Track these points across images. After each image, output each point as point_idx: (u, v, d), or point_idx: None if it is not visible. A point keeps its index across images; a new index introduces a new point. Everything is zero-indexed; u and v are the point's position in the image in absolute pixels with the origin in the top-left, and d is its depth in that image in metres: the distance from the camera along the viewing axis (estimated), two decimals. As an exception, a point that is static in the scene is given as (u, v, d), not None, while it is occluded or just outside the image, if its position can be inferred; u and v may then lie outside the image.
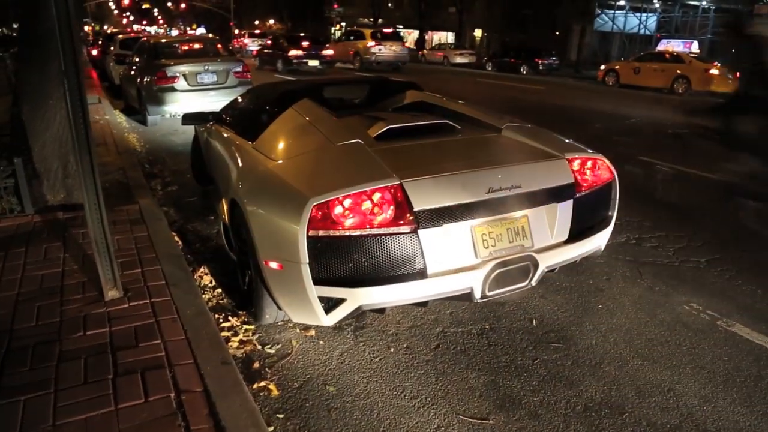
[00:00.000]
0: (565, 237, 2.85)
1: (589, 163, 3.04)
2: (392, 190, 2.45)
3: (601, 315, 3.30)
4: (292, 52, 20.74)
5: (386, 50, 22.42)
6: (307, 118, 3.28)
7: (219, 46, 10.57)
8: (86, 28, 47.05)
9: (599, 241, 3.07)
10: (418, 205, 2.44)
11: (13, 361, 2.46)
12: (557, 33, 33.50)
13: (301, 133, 3.22)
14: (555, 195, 2.81)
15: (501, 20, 35.56)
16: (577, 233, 2.90)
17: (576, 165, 2.96)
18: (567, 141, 3.30)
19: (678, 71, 18.33)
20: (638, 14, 32.53)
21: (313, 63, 20.88)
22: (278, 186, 2.75)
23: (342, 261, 2.41)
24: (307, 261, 2.37)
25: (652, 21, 33.26)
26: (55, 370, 2.38)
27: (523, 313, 3.30)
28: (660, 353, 2.92)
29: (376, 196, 2.43)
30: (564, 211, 2.84)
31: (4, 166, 4.25)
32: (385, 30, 24.17)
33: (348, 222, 2.39)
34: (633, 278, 3.79)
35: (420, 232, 2.44)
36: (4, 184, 4.30)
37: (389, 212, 2.43)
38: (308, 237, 2.35)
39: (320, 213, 2.37)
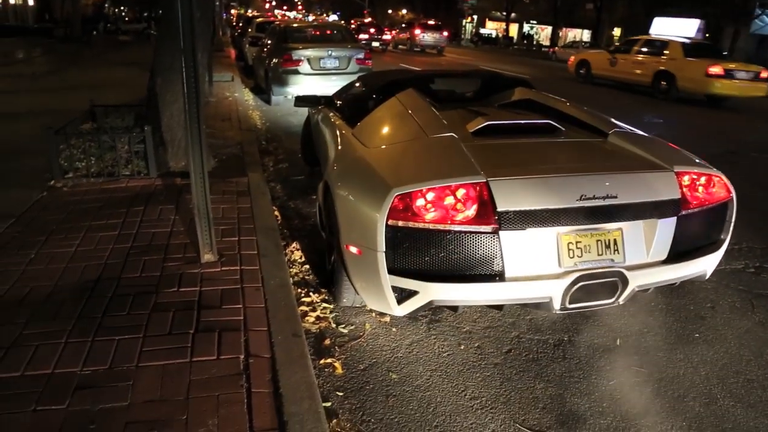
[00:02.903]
0: (663, 256, 2.65)
1: (703, 179, 2.79)
2: (477, 188, 2.41)
3: (697, 345, 3.03)
4: (361, 36, 25.53)
5: (428, 37, 29.18)
6: (407, 109, 3.31)
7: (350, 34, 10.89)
8: (232, 11, 50.46)
9: (704, 265, 2.81)
10: (503, 205, 2.38)
11: (115, 305, 2.76)
12: (707, 35, 30.74)
13: (398, 122, 3.26)
14: (656, 210, 2.61)
15: (643, 19, 33.23)
16: (679, 254, 2.69)
17: (686, 180, 2.73)
18: (682, 153, 3.04)
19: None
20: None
21: (375, 44, 27.44)
22: (366, 173, 2.81)
23: (418, 253, 2.41)
24: (384, 249, 2.40)
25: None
26: (147, 319, 2.64)
27: (608, 330, 3.12)
28: (758, 397, 2.63)
29: (460, 192, 2.40)
30: (665, 228, 2.63)
31: (136, 132, 4.72)
32: (429, 22, 31.41)
33: (429, 215, 2.39)
34: (743, 310, 3.44)
35: (501, 233, 2.39)
36: (135, 149, 4.77)
37: (472, 210, 2.39)
38: (387, 226, 2.37)
39: (402, 203, 2.38)
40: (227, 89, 10.59)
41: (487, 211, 2.39)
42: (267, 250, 3.48)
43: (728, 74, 13.53)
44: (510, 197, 2.41)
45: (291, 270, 3.51)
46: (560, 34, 40.71)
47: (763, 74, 14.03)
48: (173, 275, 3.08)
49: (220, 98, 9.50)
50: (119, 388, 2.18)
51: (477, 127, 3.02)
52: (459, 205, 2.39)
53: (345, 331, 2.96)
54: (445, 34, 30.40)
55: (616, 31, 39.32)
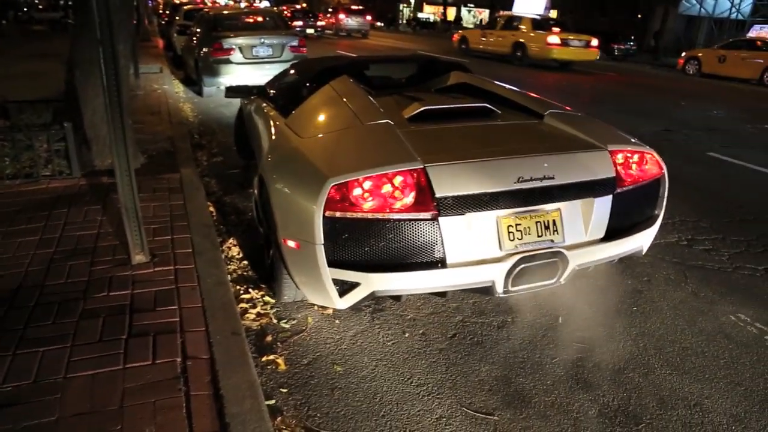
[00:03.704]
0: (601, 234, 2.75)
1: (635, 157, 2.90)
2: (414, 174, 2.42)
3: (635, 318, 3.19)
4: (295, 23, 25.99)
5: (352, 21, 31.20)
6: (341, 96, 3.29)
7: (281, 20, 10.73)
8: (158, -3, 48.65)
9: (641, 241, 2.94)
10: (441, 191, 2.40)
11: (39, 315, 2.64)
12: (639, 16, 32.00)
13: (332, 110, 3.24)
14: (592, 189, 2.69)
15: (579, 1, 34.25)
16: (616, 231, 2.79)
17: (620, 158, 2.83)
18: (615, 132, 3.15)
19: (770, 60, 17.19)
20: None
21: (310, 31, 28.40)
22: (300, 163, 2.77)
23: (358, 244, 2.41)
24: (323, 242, 2.38)
25: (746, 5, 30.99)
26: (75, 327, 2.54)
27: (551, 308, 3.23)
28: (692, 364, 2.80)
29: (398, 180, 2.41)
30: (601, 206, 2.72)
31: (56, 129, 4.50)
32: (353, 7, 33.78)
33: (367, 204, 2.38)
34: (677, 282, 3.63)
35: (441, 219, 2.41)
36: (55, 148, 4.56)
37: (410, 197, 2.40)
38: (324, 217, 2.35)
39: (338, 194, 2.37)
40: (155, 81, 10.24)
41: (425, 197, 2.40)
42: (202, 247, 3.40)
43: (564, 42, 17.59)
44: (448, 183, 2.43)
45: (229, 267, 3.46)
46: (498, 17, 41.41)
47: (593, 42, 18.26)
48: (102, 279, 2.98)
49: (148, 91, 9.18)
50: (46, 402, 2.09)
51: (413, 113, 3.04)
52: (397, 193, 2.40)
53: (287, 326, 2.94)
54: (368, 18, 33.04)
55: (553, 14, 40.34)
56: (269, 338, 2.81)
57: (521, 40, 18.43)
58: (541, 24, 18.75)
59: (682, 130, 8.75)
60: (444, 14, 47.68)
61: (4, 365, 2.27)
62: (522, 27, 18.77)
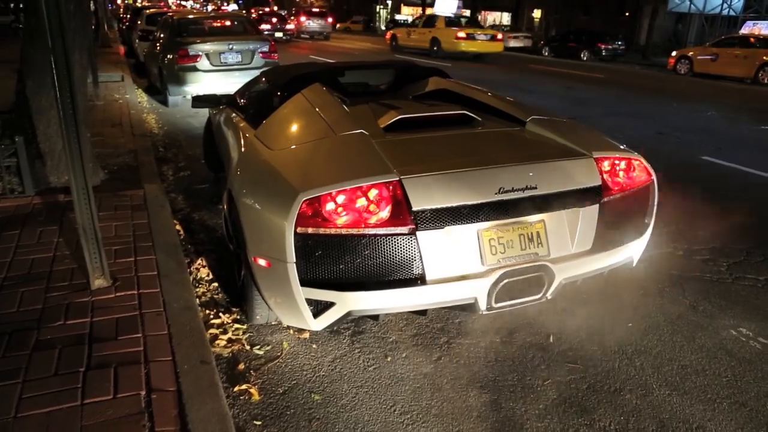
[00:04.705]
0: (588, 246, 2.76)
1: (622, 164, 2.92)
2: (390, 187, 2.42)
3: (630, 334, 3.21)
4: (262, 26, 25.74)
5: (313, 23, 33.55)
6: (313, 105, 3.28)
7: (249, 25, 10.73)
8: (118, 1, 48.46)
9: (630, 252, 2.96)
10: (418, 204, 2.40)
11: (-13, 348, 2.57)
12: (626, 14, 32.56)
13: (304, 121, 3.24)
14: (577, 199, 2.71)
15: (563, 0, 34.83)
16: (604, 242, 2.80)
17: (606, 165, 2.85)
18: (601, 138, 3.19)
19: (765, 58, 17.58)
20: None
21: (279, 35, 28.22)
22: (270, 177, 2.76)
23: (332, 262, 2.39)
24: (294, 260, 2.37)
25: (737, 0, 31.73)
26: (27, 360, 2.48)
27: (540, 327, 3.24)
28: (693, 383, 2.81)
29: (372, 193, 2.40)
30: (588, 216, 2.74)
31: (6, 144, 4.43)
32: (314, 10, 36.94)
33: (340, 220, 2.37)
34: (674, 295, 3.67)
35: (419, 234, 2.40)
36: (6, 164, 4.48)
37: (386, 211, 2.40)
38: (296, 234, 2.34)
39: (310, 209, 2.36)
40: (116, 90, 10.16)
41: (401, 211, 2.39)
42: (168, 269, 3.36)
43: (470, 36, 21.72)
44: (425, 195, 2.42)
45: (197, 290, 3.42)
46: (480, 17, 41.89)
47: (498, 36, 22.95)
48: (58, 306, 2.92)
49: (109, 101, 9.10)
50: (-5, 444, 2.04)
51: (388, 122, 3.04)
52: (372, 207, 2.39)
53: (260, 352, 2.91)
54: (330, 20, 35.35)
55: (537, 13, 40.96)
56: (242, 366, 2.77)
57: (437, 36, 22.53)
58: (453, 21, 23.36)
59: (674, 133, 8.90)
60: (422, 15, 48.06)
61: (-51, 404, 2.21)
62: (437, 24, 23.03)
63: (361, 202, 2.39)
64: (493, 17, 42.10)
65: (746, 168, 6.90)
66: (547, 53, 27.41)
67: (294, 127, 3.26)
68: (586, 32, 26.72)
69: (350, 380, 2.72)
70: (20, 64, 4.62)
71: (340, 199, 2.38)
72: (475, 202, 2.48)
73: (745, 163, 7.10)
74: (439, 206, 2.43)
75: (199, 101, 4.66)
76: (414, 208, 2.39)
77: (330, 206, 2.37)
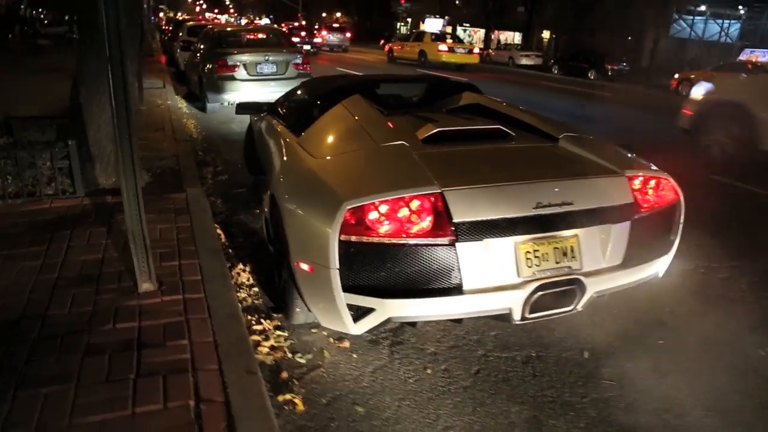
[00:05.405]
0: (618, 261, 2.64)
1: (652, 182, 2.81)
2: (432, 199, 2.33)
3: (662, 353, 3.00)
4: (293, 39, 28.23)
5: (333, 37, 34.32)
6: (354, 116, 3.17)
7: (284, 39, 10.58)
8: (160, 14, 48.71)
9: (657, 267, 2.85)
10: (459, 216, 2.30)
11: (41, 350, 2.42)
12: (629, 38, 32.14)
13: (345, 131, 3.12)
14: (611, 215, 2.60)
15: (571, 22, 34.45)
16: (633, 258, 2.68)
17: (637, 183, 2.74)
18: (630, 156, 3.06)
19: (761, 84, 17.23)
20: (719, 21, 30.63)
21: (307, 47, 28.20)
22: (314, 185, 2.67)
23: (373, 269, 2.30)
24: (338, 266, 2.27)
25: (734, 29, 31.22)
26: (80, 364, 2.32)
27: (574, 342, 3.04)
28: (727, 405, 2.60)
29: (415, 204, 2.32)
30: (619, 232, 2.62)
31: (60, 147, 4.31)
32: (335, 25, 37.72)
33: (383, 229, 2.29)
34: (700, 313, 3.45)
35: (458, 245, 2.30)
36: (59, 165, 4.36)
37: (427, 222, 2.31)
38: (340, 241, 2.25)
39: (354, 217, 2.27)
40: (159, 96, 10.06)
41: (442, 222, 2.30)
42: (212, 274, 3.20)
43: (451, 50, 24.33)
44: (466, 207, 2.33)
45: (239, 294, 3.25)
46: (492, 36, 41.61)
47: (475, 50, 26.34)
48: (108, 310, 2.76)
49: (152, 106, 9.00)
50: (48, 452, 1.89)
51: (427, 134, 2.93)
52: (414, 217, 2.31)
53: (302, 361, 2.74)
54: (348, 35, 36.44)
55: (546, 34, 40.58)
56: (285, 375, 2.60)
57: (424, 49, 25.14)
58: (438, 37, 25.83)
59: (684, 153, 8.60)
60: (455, 33, 47.86)
61: (3, 412, 2.04)
62: (425, 39, 25.65)
63: (404, 212, 2.30)
64: (504, 36, 41.75)
65: (754, 188, 6.62)
66: (556, 71, 27.10)
67: (336, 137, 3.14)
68: (594, 53, 26.39)
69: (392, 392, 2.54)
70: (75, 73, 4.49)
71: (383, 208, 2.29)
72: (513, 216, 2.38)
73: (753, 183, 6.82)
74: (478, 219, 2.33)
75: (243, 108, 4.56)
76: (455, 220, 2.30)
77: (373, 215, 2.29)
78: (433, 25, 35.93)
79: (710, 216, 5.19)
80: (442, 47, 24.23)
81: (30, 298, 2.84)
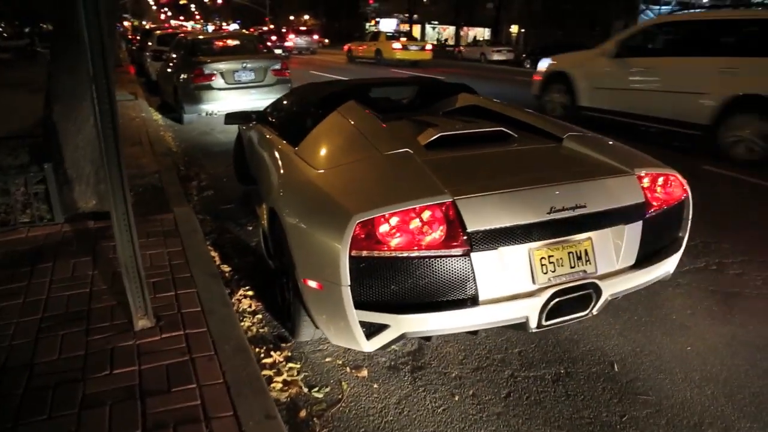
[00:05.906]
0: (631, 262, 2.55)
1: (661, 180, 2.73)
2: (444, 208, 2.21)
3: (692, 360, 2.86)
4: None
5: (301, 40, 34.90)
6: (353, 123, 2.99)
7: (260, 45, 10.28)
8: (125, 24, 47.70)
9: (669, 266, 2.77)
10: (472, 225, 2.18)
11: (31, 406, 2.16)
12: (596, 29, 32.43)
13: (346, 139, 2.94)
14: (623, 216, 2.51)
15: (539, 16, 34.67)
16: (646, 257, 2.60)
17: (646, 182, 2.66)
18: (638, 154, 2.95)
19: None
20: (687, 11, 31.03)
21: (278, 51, 29.39)
22: (320, 199, 2.49)
23: (386, 284, 2.16)
24: (349, 283, 2.13)
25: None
26: (76, 421, 2.07)
27: (601, 354, 2.88)
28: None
29: (426, 215, 2.19)
30: (632, 233, 2.54)
31: (35, 171, 4.01)
32: (302, 28, 38.89)
33: (394, 242, 2.16)
34: (721, 314, 3.32)
35: (473, 255, 2.19)
36: (34, 191, 4.05)
37: (439, 232, 2.19)
38: (351, 257, 2.11)
39: (364, 231, 2.14)
40: (132, 109, 9.70)
41: (455, 232, 2.20)
42: (212, 304, 2.96)
43: (404, 47, 25.48)
44: (479, 216, 2.22)
45: (242, 323, 3.02)
46: (461, 33, 41.71)
47: (427, 47, 26.91)
48: (102, 352, 2.51)
49: (126, 120, 8.63)
50: None
51: (430, 139, 2.79)
52: (426, 229, 2.19)
53: (320, 395, 2.52)
54: (316, 37, 36.91)
55: (514, 28, 40.80)
56: (303, 413, 2.38)
57: (380, 47, 26.28)
58: (392, 36, 27.08)
59: (670, 144, 8.57)
60: (409, 32, 47.84)
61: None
62: (381, 39, 26.87)
63: (415, 223, 2.18)
64: (474, 32, 41.88)
65: (747, 177, 6.59)
66: (528, 65, 27.15)
67: (336, 146, 2.95)
68: (564, 45, 26.51)
69: (422, 425, 2.34)
70: (47, 89, 4.19)
71: (394, 220, 2.16)
72: (527, 222, 2.27)
73: (746, 173, 6.79)
74: (492, 227, 2.21)
75: (231, 118, 4.33)
76: (468, 229, 2.17)
77: (384, 228, 2.15)
78: (388, 25, 36.95)
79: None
80: (396, 45, 25.47)
81: (13, 345, 2.57)
